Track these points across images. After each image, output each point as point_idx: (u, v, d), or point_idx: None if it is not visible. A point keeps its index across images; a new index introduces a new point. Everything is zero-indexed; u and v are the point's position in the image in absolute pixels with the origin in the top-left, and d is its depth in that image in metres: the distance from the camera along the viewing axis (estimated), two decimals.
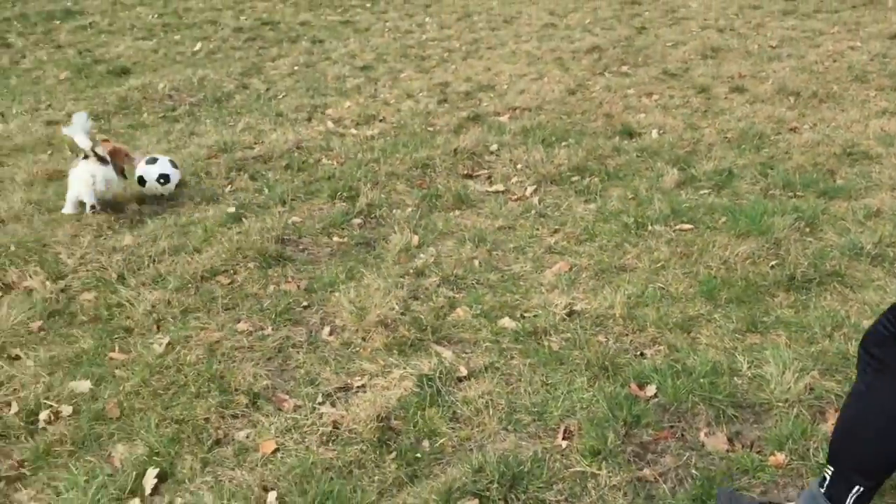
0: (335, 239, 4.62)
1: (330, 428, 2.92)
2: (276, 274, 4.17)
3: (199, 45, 10.51)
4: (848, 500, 2.19)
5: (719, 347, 3.34)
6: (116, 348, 3.56)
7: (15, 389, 3.24)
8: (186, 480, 2.71)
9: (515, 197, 5.12)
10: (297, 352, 3.47)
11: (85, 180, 4.83)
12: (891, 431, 2.09)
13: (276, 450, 2.84)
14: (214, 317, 3.77)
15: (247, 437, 2.93)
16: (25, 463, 2.83)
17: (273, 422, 2.99)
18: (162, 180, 5.16)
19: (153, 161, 5.21)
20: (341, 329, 3.65)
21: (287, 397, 3.15)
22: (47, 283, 4.12)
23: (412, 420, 2.95)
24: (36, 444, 2.91)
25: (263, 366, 3.36)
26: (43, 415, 3.07)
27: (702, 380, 3.07)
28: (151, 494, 2.65)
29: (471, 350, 3.44)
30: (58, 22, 12.37)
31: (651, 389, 3.08)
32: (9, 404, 3.14)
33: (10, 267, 4.23)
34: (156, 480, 2.69)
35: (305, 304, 3.88)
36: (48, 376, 3.32)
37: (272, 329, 3.65)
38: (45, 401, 3.15)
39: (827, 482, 2.23)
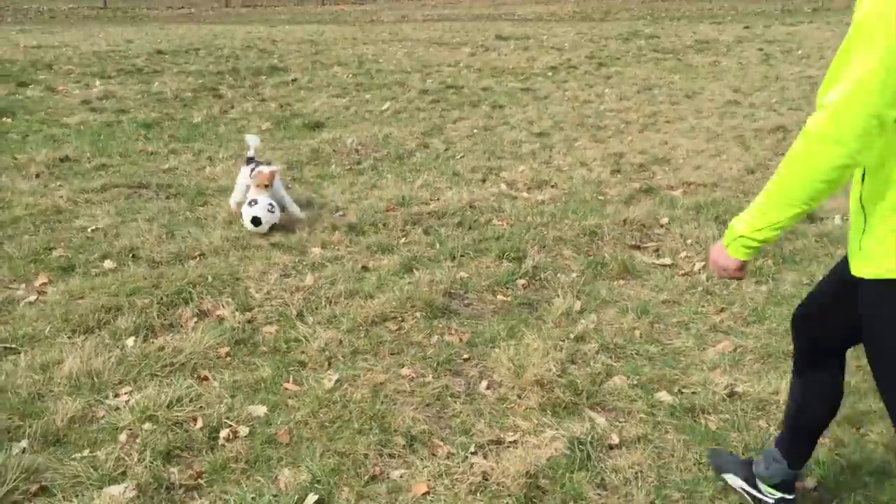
0: (499, 297, 4.77)
1: (479, 478, 3.01)
2: (441, 325, 4.36)
3: (387, 105, 11.17)
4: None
5: (890, 447, 3.17)
6: (291, 380, 3.84)
7: (201, 407, 3.57)
8: None
9: (682, 272, 5.08)
10: (455, 401, 3.61)
11: (240, 185, 6.10)
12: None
13: (427, 493, 2.97)
14: (381, 360, 3.99)
15: (400, 476, 3.08)
16: (203, 475, 3.11)
17: (426, 465, 3.13)
18: (253, 224, 5.74)
19: (253, 202, 5.79)
20: (498, 384, 3.76)
21: (442, 444, 3.28)
22: (237, 313, 4.51)
23: (560, 481, 3.00)
24: (214, 459, 3.19)
25: (422, 411, 3.52)
26: (223, 433, 3.36)
27: (867, 478, 2.92)
28: None
29: (624, 419, 3.45)
30: (264, 77, 13.54)
31: (811, 482, 2.96)
32: (195, 419, 3.47)
33: (207, 296, 4.67)
34: None
35: (466, 356, 4.03)
36: (230, 398, 3.64)
37: (433, 377, 3.82)
38: (225, 420, 3.46)
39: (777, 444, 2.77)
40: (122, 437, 3.31)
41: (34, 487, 2.97)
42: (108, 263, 5.27)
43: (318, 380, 3.82)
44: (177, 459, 3.22)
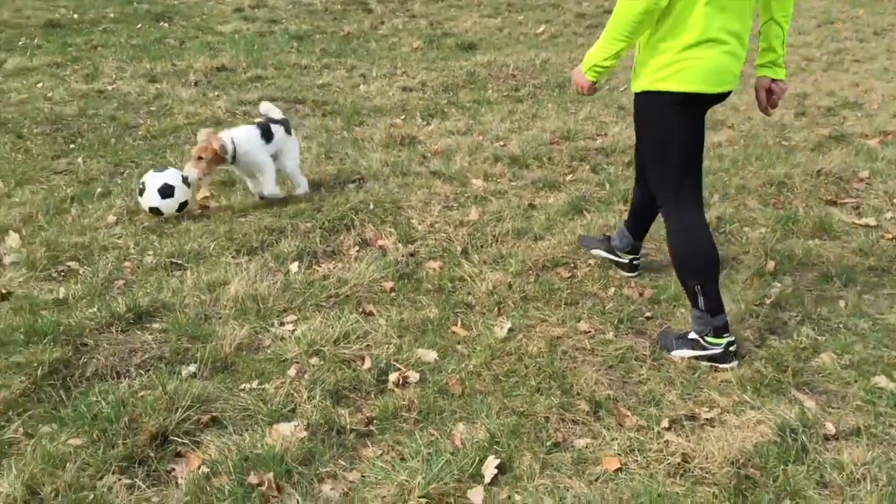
0: None
1: (678, 459, 2.69)
2: (618, 276, 4.00)
3: (541, 28, 10.62)
4: (699, 297, 3.24)
5: None
6: (459, 323, 3.60)
7: (368, 346, 3.38)
8: (525, 478, 2.64)
9: (890, 236, 4.49)
10: (641, 365, 3.28)
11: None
12: (684, 244, 3.29)
13: (619, 469, 2.68)
14: (555, 310, 3.69)
15: (586, 446, 2.80)
16: (374, 421, 2.93)
17: (615, 437, 2.83)
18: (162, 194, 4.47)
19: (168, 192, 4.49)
20: None
21: (629, 413, 2.97)
22: (399, 245, 4.30)
23: (772, 473, 2.64)
24: (384, 404, 3.00)
25: (605, 373, 3.21)
26: (392, 376, 3.17)
27: None
28: (490, 484, 2.61)
29: (839, 405, 3.03)
30: None
31: None
32: (362, 358, 3.28)
33: (368, 224, 4.47)
34: (496, 471, 2.64)
35: (649, 314, 3.68)
36: (398, 338, 3.44)
37: (614, 335, 3.49)
38: (394, 362, 3.26)
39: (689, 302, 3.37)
40: (292, 371, 3.16)
41: (206, 417, 2.86)
42: None
43: (488, 326, 3.56)
44: (345, 401, 3.05)
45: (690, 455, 2.72)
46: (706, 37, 2.95)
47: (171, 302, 3.64)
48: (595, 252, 4.09)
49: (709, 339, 3.26)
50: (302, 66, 8.40)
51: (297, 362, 3.25)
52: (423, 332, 3.53)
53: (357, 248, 4.30)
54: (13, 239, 4.18)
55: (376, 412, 2.97)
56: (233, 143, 4.55)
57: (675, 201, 3.25)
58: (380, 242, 4.33)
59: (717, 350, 3.25)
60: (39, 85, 7.31)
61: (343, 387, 3.11)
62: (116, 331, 3.39)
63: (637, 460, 2.72)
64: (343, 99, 7.15)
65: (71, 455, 2.65)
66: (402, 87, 7.63)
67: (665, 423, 2.91)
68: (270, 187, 4.75)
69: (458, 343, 3.45)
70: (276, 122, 4.85)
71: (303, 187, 4.91)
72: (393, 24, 10.91)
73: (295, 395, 3.04)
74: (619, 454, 2.75)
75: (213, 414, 2.90)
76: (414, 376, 3.18)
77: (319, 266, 4.09)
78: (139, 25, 10.27)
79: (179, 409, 2.83)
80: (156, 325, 3.46)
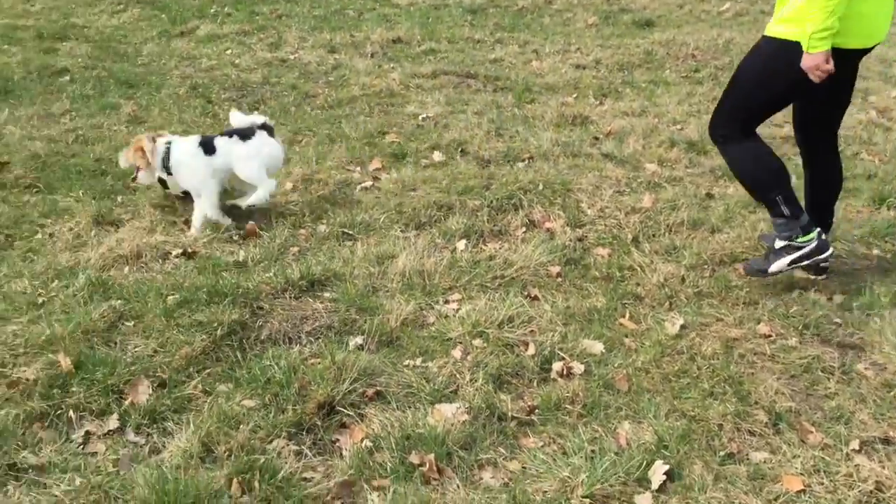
0: (875, 251, 3.99)
1: (871, 487, 2.46)
2: (803, 277, 3.71)
3: (726, 6, 10.04)
4: (784, 207, 3.36)
5: None
6: (627, 315, 3.46)
7: (532, 331, 3.31)
8: (696, 488, 2.49)
9: None
10: (828, 378, 3.02)
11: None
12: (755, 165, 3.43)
13: (802, 490, 2.47)
14: (731, 309, 3.47)
15: (764, 461, 2.61)
16: (536, 410, 2.86)
17: (797, 454, 2.62)
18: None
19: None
20: (881, 367, 3.10)
21: (813, 429, 2.75)
22: (567, 228, 4.18)
23: None
24: (547, 394, 2.92)
25: (787, 383, 2.98)
26: (556, 365, 3.08)
27: None
28: (658, 491, 2.48)
29: None
30: None
31: None
32: (526, 344, 3.22)
33: (537, 205, 4.38)
34: (664, 478, 2.51)
35: (837, 321, 3.39)
36: (563, 326, 3.35)
37: (798, 342, 3.24)
38: (559, 351, 3.17)
39: (769, 211, 3.47)
40: (456, 352, 3.14)
41: (370, 391, 2.89)
42: (437, 155, 5.16)
43: (658, 321, 3.40)
44: (507, 386, 3.00)
45: (885, 483, 2.47)
46: None
47: (342, 272, 3.71)
48: (778, 265, 3.46)
49: (800, 238, 3.38)
50: (475, 40, 8.36)
51: (461, 343, 3.22)
52: (589, 321, 3.41)
53: (524, 229, 4.22)
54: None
55: (538, 401, 2.90)
56: (167, 149, 4.10)
57: (744, 131, 3.41)
58: (547, 225, 4.23)
59: (812, 243, 3.38)
60: (228, 52, 7.68)
61: (505, 372, 3.05)
62: (290, 297, 3.49)
63: (823, 483, 2.51)
64: (515, 75, 7.05)
65: (244, 416, 2.75)
66: (576, 65, 7.43)
67: (855, 445, 2.66)
68: (197, 214, 4.13)
69: (626, 336, 3.31)
70: (241, 131, 4.16)
71: (258, 196, 4.13)
72: None
73: (458, 376, 3.01)
74: (801, 474, 2.54)
75: (378, 388, 2.92)
76: (578, 367, 3.08)
77: (486, 245, 4.04)
78: None
79: (346, 381, 2.88)
80: (327, 294, 3.53)
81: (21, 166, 4.70)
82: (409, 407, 2.86)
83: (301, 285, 3.56)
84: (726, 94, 3.52)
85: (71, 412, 2.76)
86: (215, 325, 3.19)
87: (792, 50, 3.12)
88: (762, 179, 3.42)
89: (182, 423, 2.73)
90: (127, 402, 2.82)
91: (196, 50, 7.72)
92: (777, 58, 3.23)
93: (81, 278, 3.51)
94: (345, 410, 2.80)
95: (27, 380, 2.86)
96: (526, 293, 3.62)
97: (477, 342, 3.22)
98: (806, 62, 3.08)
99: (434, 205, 4.34)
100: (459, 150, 5.25)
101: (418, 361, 3.11)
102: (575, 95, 6.56)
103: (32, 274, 3.59)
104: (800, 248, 3.40)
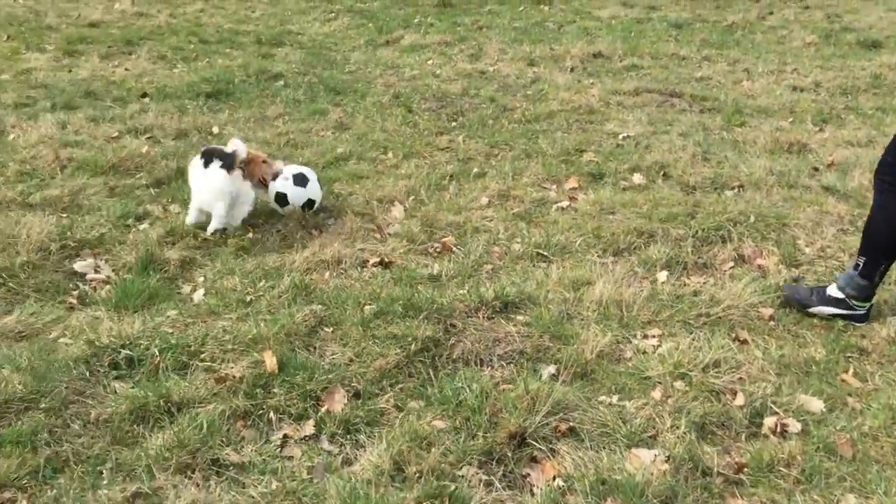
0: None
1: None
2: None
3: None
4: (877, 275, 3.37)
5: None
6: (851, 370, 3.12)
7: (740, 378, 3.05)
8: None
9: None
10: None
11: (222, 192, 4.05)
12: None
13: None
14: None
15: None
16: (745, 469, 2.62)
17: None
18: (308, 207, 4.35)
19: (302, 182, 4.31)
20: None
21: None
22: (781, 267, 3.87)
23: None
24: (757, 451, 2.67)
25: None
26: (768, 420, 2.81)
27: None
28: None
29: None
30: None
31: None
32: (734, 393, 2.97)
33: (747, 239, 4.08)
34: None
35: None
36: (776, 377, 3.07)
37: None
38: (771, 404, 2.90)
39: (860, 266, 3.38)
40: (656, 393, 2.94)
41: (563, 426, 2.76)
42: (637, 178, 4.96)
43: (889, 381, 3.04)
44: (711, 437, 2.77)
45: None
46: None
47: (536, 294, 3.60)
48: (820, 310, 3.48)
49: (857, 302, 3.39)
50: (680, 56, 8.03)
51: (660, 383, 3.03)
52: (807, 374, 3.11)
53: (732, 264, 3.93)
54: (398, 210, 4.45)
55: (748, 459, 2.65)
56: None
57: None
58: (759, 261, 3.93)
59: (864, 311, 3.42)
60: (429, 62, 7.81)
61: (710, 421, 2.83)
62: (483, 317, 3.42)
63: None
64: (724, 95, 6.68)
65: (435, 437, 2.70)
66: (792, 87, 6.94)
67: None
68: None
69: (849, 395, 2.98)
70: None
71: (210, 225, 4.14)
72: (783, 15, 10.04)
73: (657, 419, 2.82)
74: None
75: (571, 423, 2.79)
76: (795, 425, 2.79)
77: (689, 278, 3.80)
78: (521, 8, 10.58)
79: (540, 413, 2.76)
80: (520, 318, 3.44)
81: None
82: (604, 448, 2.70)
83: (494, 305, 3.48)
84: None
85: (272, 413, 2.83)
86: (409, 339, 3.18)
87: None
88: (885, 240, 3.35)
89: (374, 438, 2.73)
90: (323, 410, 2.85)
91: (400, 59, 7.91)
92: None
93: (287, 280, 3.62)
94: (536, 444, 2.69)
95: (234, 377, 2.96)
96: (734, 335, 3.35)
97: (678, 384, 3.01)
98: None
99: (634, 231, 4.14)
100: (661, 173, 5.02)
101: (615, 399, 2.94)
102: (791, 120, 6.11)
103: (243, 272, 3.75)
104: (851, 310, 3.42)
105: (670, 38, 8.87)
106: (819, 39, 8.67)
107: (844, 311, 3.43)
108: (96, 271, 3.80)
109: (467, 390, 2.90)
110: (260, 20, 9.75)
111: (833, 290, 3.44)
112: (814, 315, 3.47)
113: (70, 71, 7.22)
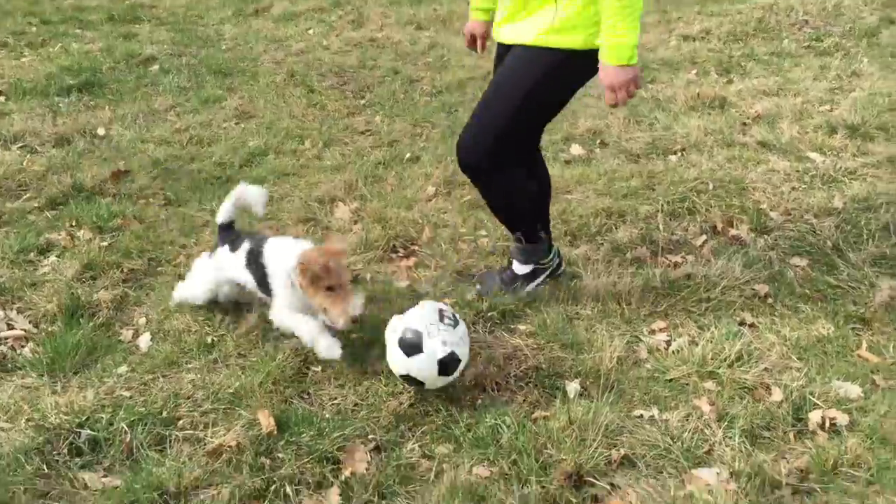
0: None
1: None
2: None
3: None
4: (540, 233, 3.31)
5: None
6: (864, 345, 3.07)
7: (766, 369, 2.92)
8: None
9: None
10: None
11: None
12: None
13: None
14: None
15: None
16: (810, 475, 2.48)
17: None
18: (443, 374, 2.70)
19: (413, 349, 2.66)
20: None
21: None
22: (752, 234, 3.78)
23: None
24: (816, 453, 2.53)
25: None
26: (813, 416, 2.69)
27: None
28: None
29: None
30: None
31: None
32: (767, 387, 2.84)
33: (714, 208, 3.97)
34: None
35: None
36: (798, 361, 2.96)
37: None
38: (809, 396, 2.78)
39: (522, 240, 3.30)
40: (702, 402, 2.75)
41: (616, 455, 2.53)
42: (575, 148, 4.77)
43: None
44: (762, 443, 2.62)
45: None
46: None
47: (528, 298, 3.33)
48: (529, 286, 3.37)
49: (544, 260, 3.35)
50: None
51: (687, 384, 2.85)
52: (825, 353, 3.02)
53: (704, 237, 3.81)
54: (342, 210, 4.03)
55: (807, 462, 2.52)
56: None
57: (518, 158, 3.07)
58: (732, 232, 3.83)
59: (554, 263, 3.40)
60: (310, 31, 7.23)
61: (756, 424, 2.68)
62: (483, 331, 3.12)
63: None
64: None
65: (484, 490, 2.39)
66: (683, 36, 6.94)
67: None
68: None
69: (872, 372, 2.92)
70: None
71: None
72: None
73: (706, 431, 2.64)
74: None
75: (622, 451, 2.55)
76: (842, 417, 2.69)
77: (667, 258, 3.64)
78: None
79: (592, 445, 2.51)
80: (522, 327, 3.16)
81: (143, 175, 4.31)
82: (662, 472, 2.49)
83: (493, 318, 3.18)
84: (489, 112, 2.94)
85: (287, 486, 2.42)
86: None
87: (580, 59, 2.78)
88: (526, 209, 3.24)
89: (416, 500, 2.39)
90: (346, 473, 2.47)
91: (278, 31, 7.28)
92: (564, 68, 2.84)
93: (250, 313, 3.15)
94: (595, 479, 2.45)
95: (230, 447, 2.52)
96: (739, 319, 3.23)
97: (708, 385, 2.85)
98: (624, 76, 2.68)
99: (603, 212, 3.94)
100: (598, 141, 4.84)
101: (654, 412, 2.73)
102: (695, 72, 6.09)
103: (192, 308, 3.23)
104: (546, 270, 3.38)
105: None
106: None
107: (544, 276, 3.38)
108: (9, 326, 3.18)
109: (504, 428, 2.60)
110: None
111: (520, 269, 3.35)
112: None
113: None
